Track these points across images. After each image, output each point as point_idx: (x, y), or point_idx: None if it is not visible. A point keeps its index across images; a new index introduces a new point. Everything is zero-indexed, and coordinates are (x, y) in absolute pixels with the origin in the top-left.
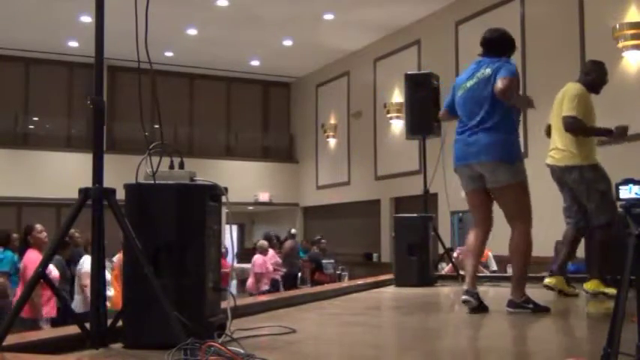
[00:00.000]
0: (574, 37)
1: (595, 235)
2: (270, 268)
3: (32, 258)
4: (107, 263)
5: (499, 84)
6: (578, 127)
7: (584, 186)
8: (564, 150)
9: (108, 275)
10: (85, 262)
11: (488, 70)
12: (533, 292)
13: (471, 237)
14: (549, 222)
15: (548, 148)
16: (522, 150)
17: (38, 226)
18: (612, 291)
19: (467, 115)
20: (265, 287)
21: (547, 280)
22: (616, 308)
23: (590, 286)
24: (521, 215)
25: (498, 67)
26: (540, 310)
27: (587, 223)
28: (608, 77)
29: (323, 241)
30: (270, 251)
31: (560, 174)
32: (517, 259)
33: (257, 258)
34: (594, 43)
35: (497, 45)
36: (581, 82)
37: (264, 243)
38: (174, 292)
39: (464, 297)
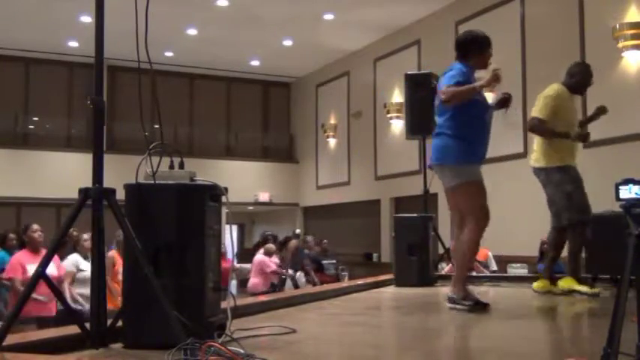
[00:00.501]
0: (574, 37)
1: (566, 234)
2: (273, 268)
3: (17, 256)
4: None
5: (441, 97)
6: (538, 129)
7: (552, 187)
8: (536, 151)
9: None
10: (68, 261)
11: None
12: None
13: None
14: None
15: None
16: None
17: (34, 226)
18: (585, 289)
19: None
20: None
21: (534, 286)
22: (616, 308)
23: (564, 283)
24: (467, 214)
25: (443, 76)
26: (479, 307)
27: (560, 222)
28: (593, 79)
29: (325, 241)
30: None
31: (535, 174)
32: (457, 257)
33: (264, 258)
34: (594, 43)
35: (459, 48)
36: (565, 84)
37: (271, 247)
38: (174, 292)
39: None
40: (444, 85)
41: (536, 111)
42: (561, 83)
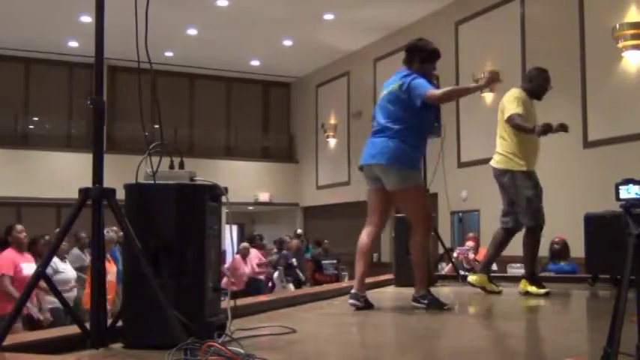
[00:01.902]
0: (574, 37)
1: (525, 235)
2: (245, 269)
3: (6, 254)
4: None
5: (425, 98)
6: (523, 124)
7: (514, 189)
8: (502, 154)
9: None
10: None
11: (395, 85)
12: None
13: (365, 237)
14: None
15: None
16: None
17: (19, 227)
18: (535, 290)
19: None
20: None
21: (470, 278)
22: (616, 308)
23: (522, 286)
24: (414, 217)
25: (403, 82)
26: (436, 305)
27: (517, 224)
28: (552, 84)
29: (326, 241)
30: (253, 251)
31: (497, 175)
32: (420, 259)
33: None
34: (594, 43)
35: (407, 54)
36: (524, 89)
37: (246, 245)
38: (174, 292)
39: (350, 301)
40: (428, 89)
41: (514, 109)
42: (520, 88)
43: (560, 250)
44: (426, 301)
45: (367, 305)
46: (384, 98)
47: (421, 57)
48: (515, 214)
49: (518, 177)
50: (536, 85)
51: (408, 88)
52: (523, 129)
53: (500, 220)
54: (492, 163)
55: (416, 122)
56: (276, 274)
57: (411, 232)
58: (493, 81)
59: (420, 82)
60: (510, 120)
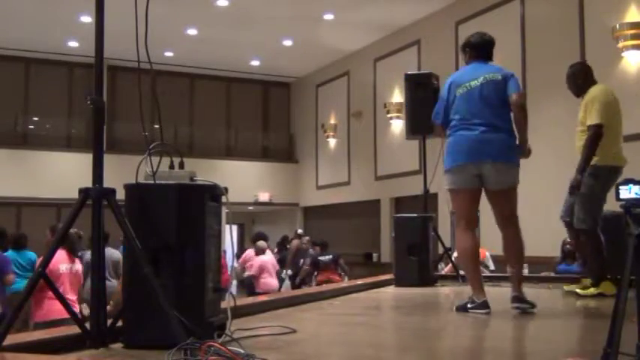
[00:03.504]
0: (574, 37)
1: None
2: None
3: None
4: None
5: (519, 99)
6: None
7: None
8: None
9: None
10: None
11: (497, 75)
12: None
13: (470, 240)
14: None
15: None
16: None
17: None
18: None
19: (474, 113)
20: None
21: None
22: (616, 308)
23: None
24: (516, 214)
25: (508, 74)
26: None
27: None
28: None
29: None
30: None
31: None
32: (519, 256)
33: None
34: (594, 43)
35: (490, 49)
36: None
37: (263, 243)
38: (174, 292)
39: (485, 310)
40: (519, 90)
41: None
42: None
43: (573, 251)
44: (529, 303)
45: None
46: (480, 89)
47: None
48: None
49: None
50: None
51: (512, 80)
52: None
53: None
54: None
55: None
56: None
57: (505, 230)
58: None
59: (514, 79)
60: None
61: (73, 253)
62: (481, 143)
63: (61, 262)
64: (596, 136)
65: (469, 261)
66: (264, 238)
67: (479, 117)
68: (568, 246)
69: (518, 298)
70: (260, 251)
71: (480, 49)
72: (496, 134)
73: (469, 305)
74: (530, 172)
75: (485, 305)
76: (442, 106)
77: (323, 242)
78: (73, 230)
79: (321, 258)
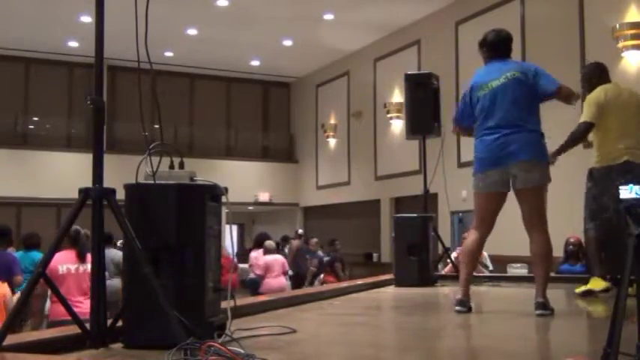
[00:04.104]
0: (574, 37)
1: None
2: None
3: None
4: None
5: (559, 91)
6: None
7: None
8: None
9: None
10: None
11: (518, 71)
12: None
13: (472, 238)
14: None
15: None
16: None
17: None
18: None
19: (496, 114)
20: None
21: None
22: (616, 308)
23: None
24: (544, 216)
25: (530, 70)
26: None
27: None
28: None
29: (314, 239)
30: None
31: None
32: (546, 260)
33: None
34: (594, 43)
35: (509, 45)
36: None
37: (272, 243)
38: (174, 292)
39: (458, 307)
40: (558, 83)
41: None
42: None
43: (576, 251)
44: (550, 309)
45: (470, 311)
46: (503, 88)
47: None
48: None
49: None
50: None
51: (537, 74)
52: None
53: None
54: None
55: (539, 111)
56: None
57: (530, 232)
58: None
59: (545, 72)
60: None
61: (82, 254)
62: (504, 146)
63: (62, 262)
64: (579, 132)
65: (463, 257)
66: (270, 238)
67: (502, 118)
68: (571, 246)
69: (541, 305)
70: (269, 251)
71: (498, 47)
72: (519, 134)
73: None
74: None
75: (459, 303)
76: (463, 110)
77: (331, 240)
78: (83, 231)
79: (308, 257)
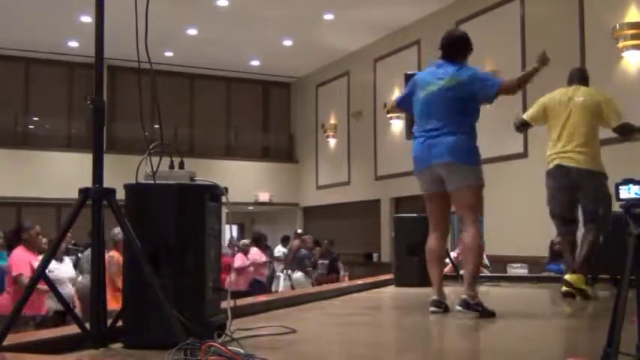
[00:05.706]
0: (574, 37)
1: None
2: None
3: (21, 254)
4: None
5: (500, 89)
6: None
7: (600, 193)
8: (592, 155)
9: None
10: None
11: (454, 78)
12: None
13: (431, 241)
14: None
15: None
16: (522, 150)
17: (37, 227)
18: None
19: (428, 118)
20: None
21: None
22: (616, 308)
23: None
24: (475, 214)
25: (470, 76)
26: (487, 314)
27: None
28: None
29: (325, 241)
30: (254, 249)
31: (581, 175)
32: (471, 256)
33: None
34: (594, 43)
35: (455, 46)
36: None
37: (245, 242)
38: (174, 292)
39: (433, 308)
40: (502, 80)
41: (621, 114)
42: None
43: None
44: (480, 309)
45: (447, 310)
46: (434, 95)
47: (467, 50)
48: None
49: (604, 178)
50: None
51: (475, 79)
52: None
53: (571, 230)
54: (575, 163)
55: (476, 116)
56: (298, 274)
57: (463, 227)
58: (546, 62)
59: (488, 73)
60: (629, 126)
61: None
62: (430, 147)
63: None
64: (514, 124)
65: (427, 260)
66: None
67: (432, 122)
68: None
69: (463, 302)
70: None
71: (446, 48)
72: (446, 137)
73: None
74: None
75: (433, 303)
76: (403, 98)
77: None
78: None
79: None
